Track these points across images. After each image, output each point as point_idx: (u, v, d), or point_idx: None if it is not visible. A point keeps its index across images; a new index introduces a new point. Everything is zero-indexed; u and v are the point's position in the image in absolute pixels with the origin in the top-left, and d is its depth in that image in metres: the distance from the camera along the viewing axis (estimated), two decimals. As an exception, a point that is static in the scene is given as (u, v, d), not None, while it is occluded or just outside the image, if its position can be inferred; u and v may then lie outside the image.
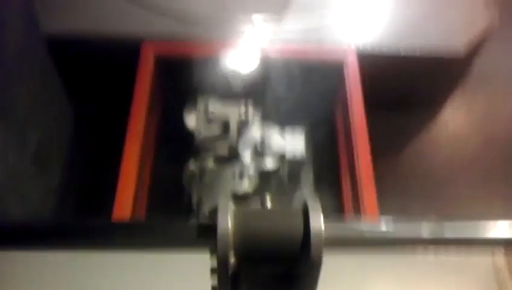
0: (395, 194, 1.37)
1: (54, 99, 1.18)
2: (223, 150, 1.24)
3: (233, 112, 1.24)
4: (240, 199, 1.19)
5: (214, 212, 0.47)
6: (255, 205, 1.17)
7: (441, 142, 1.51)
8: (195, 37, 1.29)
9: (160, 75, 1.25)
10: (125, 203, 1.07)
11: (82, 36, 1.29)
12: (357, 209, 1.15)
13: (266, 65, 1.25)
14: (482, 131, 1.56)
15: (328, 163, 1.34)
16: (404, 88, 1.45)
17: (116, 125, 1.16)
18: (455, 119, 1.55)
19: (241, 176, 1.19)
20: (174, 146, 1.27)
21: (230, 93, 1.26)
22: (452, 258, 0.89)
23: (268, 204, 0.55)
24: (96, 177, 1.31)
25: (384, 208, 1.12)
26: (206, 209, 1.16)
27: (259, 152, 1.23)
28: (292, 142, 1.25)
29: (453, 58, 1.36)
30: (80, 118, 1.30)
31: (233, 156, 1.23)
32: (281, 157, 1.24)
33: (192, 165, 1.21)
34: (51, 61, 1.15)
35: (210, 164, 1.21)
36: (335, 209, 1.29)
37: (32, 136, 1.04)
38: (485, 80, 1.59)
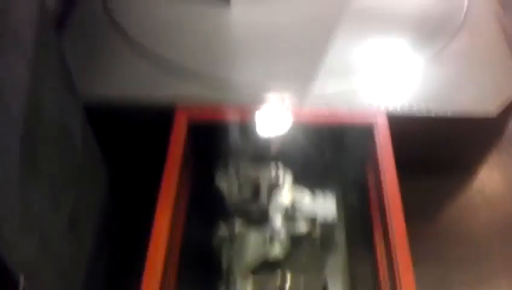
0: (432, 260, 1.33)
1: (88, 163, 1.21)
2: (254, 213, 1.23)
3: (264, 175, 1.24)
4: (270, 264, 1.17)
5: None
6: (284, 271, 1.16)
7: (477, 204, 1.47)
8: (227, 102, 1.32)
9: (192, 139, 1.27)
10: (156, 268, 1.06)
11: (117, 102, 1.34)
12: (392, 275, 1.11)
13: (296, 129, 1.26)
14: (520, 194, 1.52)
15: (361, 227, 1.32)
16: (437, 150, 1.43)
17: (149, 189, 1.17)
18: (491, 181, 1.51)
19: (272, 240, 1.18)
20: (205, 210, 1.28)
21: (262, 157, 1.27)
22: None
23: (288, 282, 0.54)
24: (128, 240, 1.32)
25: (422, 274, 1.08)
26: (237, 274, 1.15)
27: (290, 216, 1.22)
28: (323, 205, 1.24)
29: (485, 120, 1.34)
30: (113, 181, 1.33)
31: (264, 219, 1.22)
32: (312, 221, 1.23)
33: (223, 229, 1.21)
34: (86, 126, 1.18)
35: (241, 228, 1.21)
36: (368, 274, 1.26)
37: (68, 201, 1.06)
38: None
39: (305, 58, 1.46)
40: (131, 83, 1.39)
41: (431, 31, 1.55)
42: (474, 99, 1.36)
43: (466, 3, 1.63)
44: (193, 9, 1.61)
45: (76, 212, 1.09)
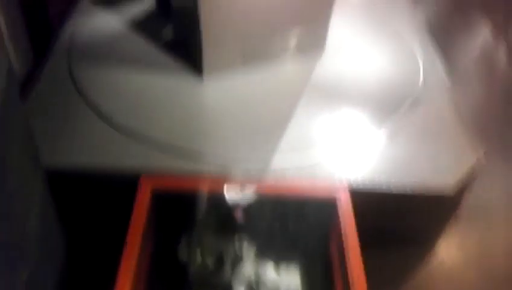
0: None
1: (48, 232, 1.18)
2: (217, 286, 1.21)
3: (228, 248, 1.24)
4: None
5: None
6: None
7: (437, 276, 1.49)
8: (193, 173, 1.32)
9: (156, 208, 1.26)
10: None
11: (81, 170, 1.33)
12: None
13: (260, 202, 1.27)
14: (479, 265, 1.55)
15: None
16: (397, 223, 1.46)
17: (109, 258, 1.14)
18: (450, 254, 1.55)
19: (234, 314, 1.16)
20: (167, 281, 1.25)
21: (225, 228, 1.27)
22: None
23: None
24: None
25: None
26: None
27: (253, 288, 1.21)
28: (287, 278, 1.23)
29: (442, 194, 1.39)
30: (72, 249, 1.29)
31: (227, 293, 1.20)
32: (276, 294, 1.21)
33: (184, 303, 1.18)
34: (46, 195, 1.16)
35: (203, 301, 1.18)
36: None
37: (24, 269, 1.02)
38: (477, 214, 1.61)
39: (270, 132, 1.50)
40: (96, 151, 1.38)
41: (388, 105, 1.62)
42: (432, 175, 1.41)
43: (421, 78, 1.72)
44: (163, 80, 1.64)
45: (33, 280, 1.04)
